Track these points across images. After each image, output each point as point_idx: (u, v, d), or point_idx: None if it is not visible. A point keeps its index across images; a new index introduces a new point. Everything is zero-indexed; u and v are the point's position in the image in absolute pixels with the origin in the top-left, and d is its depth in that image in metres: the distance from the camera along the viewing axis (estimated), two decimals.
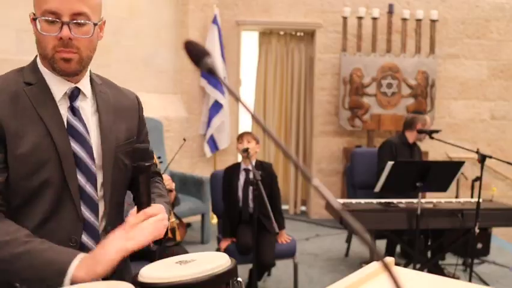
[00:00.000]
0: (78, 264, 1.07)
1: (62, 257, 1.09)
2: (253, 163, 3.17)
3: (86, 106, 1.29)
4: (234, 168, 3.32)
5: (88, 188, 1.25)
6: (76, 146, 1.24)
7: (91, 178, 1.26)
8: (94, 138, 1.28)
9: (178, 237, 2.78)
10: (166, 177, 2.77)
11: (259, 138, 3.32)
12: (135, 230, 1.15)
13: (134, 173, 1.24)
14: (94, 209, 1.26)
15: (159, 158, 3.03)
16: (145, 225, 1.16)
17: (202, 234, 4.57)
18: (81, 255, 1.09)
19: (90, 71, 1.35)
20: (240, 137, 3.24)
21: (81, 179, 1.24)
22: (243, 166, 3.27)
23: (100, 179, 1.27)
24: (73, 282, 1.05)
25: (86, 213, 1.25)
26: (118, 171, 1.32)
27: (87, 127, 1.27)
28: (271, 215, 2.68)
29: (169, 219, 1.31)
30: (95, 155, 1.27)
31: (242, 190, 3.23)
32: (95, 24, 1.24)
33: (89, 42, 1.25)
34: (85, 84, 1.30)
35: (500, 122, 5.85)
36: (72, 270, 1.06)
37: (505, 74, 5.79)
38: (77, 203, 1.22)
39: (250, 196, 3.17)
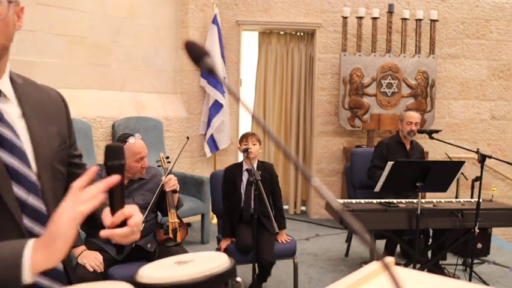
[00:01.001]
0: (32, 249, 0.91)
1: (10, 250, 0.91)
2: (256, 164, 3.17)
3: (10, 109, 1.10)
4: (235, 169, 3.32)
5: (31, 199, 1.08)
6: (6, 156, 1.05)
7: (33, 188, 1.09)
8: (26, 146, 1.10)
9: (178, 239, 2.77)
10: (173, 178, 2.74)
11: (261, 140, 3.32)
12: (84, 193, 0.96)
13: (108, 173, 1.06)
14: (44, 222, 1.07)
15: (167, 158, 3.02)
16: (93, 188, 0.97)
17: (202, 234, 4.57)
18: (32, 240, 0.93)
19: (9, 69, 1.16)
20: (245, 138, 3.21)
21: (19, 191, 1.06)
22: (245, 166, 3.26)
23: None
24: (35, 270, 0.90)
25: (36, 228, 1.08)
26: (56, 181, 1.17)
27: (16, 133, 1.09)
28: (272, 215, 2.68)
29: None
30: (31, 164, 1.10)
31: (244, 191, 3.21)
32: (9, 3, 1.05)
33: (4, 26, 1.05)
34: (5, 84, 1.11)
35: (500, 122, 5.85)
36: (27, 258, 0.89)
37: (505, 74, 5.79)
38: (19, 220, 1.05)
39: (252, 196, 3.17)
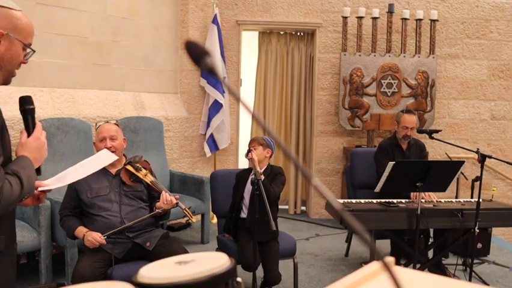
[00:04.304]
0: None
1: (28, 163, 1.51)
2: (263, 168, 3.15)
3: None
4: (244, 172, 3.31)
5: None
6: None
7: None
8: None
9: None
10: (169, 198, 2.66)
11: (270, 143, 3.21)
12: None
13: (24, 115, 1.56)
14: None
15: (190, 208, 2.90)
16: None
17: (202, 234, 4.57)
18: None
19: None
20: (249, 144, 3.22)
21: None
22: (253, 170, 3.25)
23: None
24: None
25: None
26: None
27: None
28: (270, 216, 2.67)
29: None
30: None
31: (250, 193, 3.18)
32: None
33: None
34: None
35: (500, 122, 5.85)
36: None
37: (505, 74, 5.79)
38: None
39: (254, 197, 3.14)
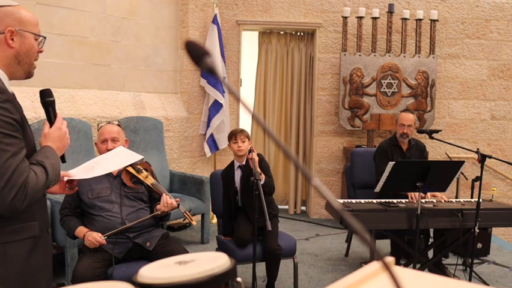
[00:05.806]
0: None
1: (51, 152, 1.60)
2: (244, 160, 3.23)
3: None
4: (229, 169, 3.34)
5: None
6: None
7: None
8: None
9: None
10: (169, 201, 2.66)
11: (249, 134, 3.32)
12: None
13: (45, 107, 1.68)
14: None
15: (190, 211, 2.94)
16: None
17: (202, 234, 4.57)
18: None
19: None
20: (234, 136, 3.21)
21: None
22: (236, 164, 3.28)
23: None
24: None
25: None
26: None
27: None
28: (266, 214, 2.69)
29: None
30: None
31: (240, 185, 3.24)
32: None
33: None
34: None
35: (500, 122, 5.85)
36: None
37: (505, 74, 5.79)
38: None
39: (253, 196, 3.16)
